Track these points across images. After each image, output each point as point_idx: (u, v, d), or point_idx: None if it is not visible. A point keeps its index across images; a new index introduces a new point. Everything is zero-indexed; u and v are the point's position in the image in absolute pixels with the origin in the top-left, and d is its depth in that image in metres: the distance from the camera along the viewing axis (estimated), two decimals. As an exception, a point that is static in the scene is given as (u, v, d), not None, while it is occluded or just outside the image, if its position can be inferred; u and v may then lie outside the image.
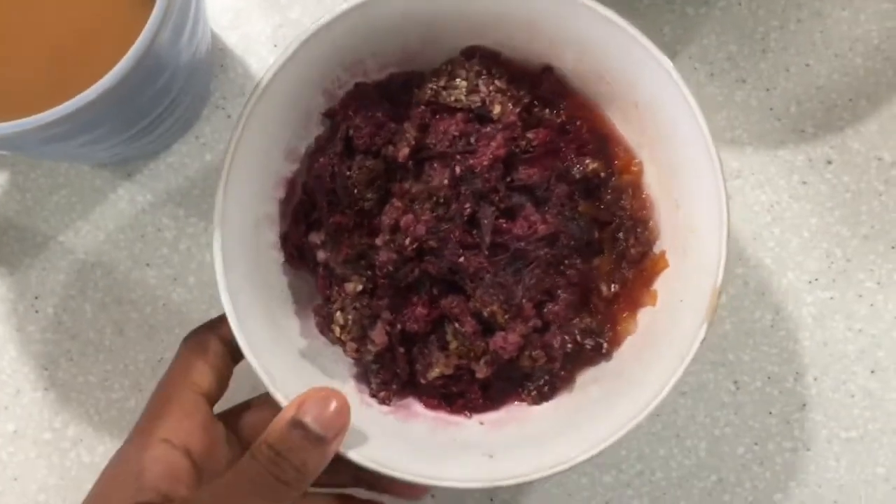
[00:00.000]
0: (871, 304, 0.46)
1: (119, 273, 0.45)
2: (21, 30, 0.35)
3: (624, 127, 0.40)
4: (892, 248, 0.46)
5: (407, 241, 0.37)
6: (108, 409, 0.45)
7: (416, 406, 0.40)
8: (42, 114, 0.32)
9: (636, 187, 0.40)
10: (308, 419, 0.33)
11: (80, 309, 0.45)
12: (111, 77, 0.32)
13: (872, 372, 0.45)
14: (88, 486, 0.43)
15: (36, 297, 0.45)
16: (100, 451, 0.44)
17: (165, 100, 0.38)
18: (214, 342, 0.37)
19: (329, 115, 0.40)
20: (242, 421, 0.38)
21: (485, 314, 0.38)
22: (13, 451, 0.44)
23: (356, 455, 0.35)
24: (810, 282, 0.46)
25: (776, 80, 0.47)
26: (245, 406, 0.39)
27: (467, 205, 0.38)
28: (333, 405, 0.33)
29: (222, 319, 0.36)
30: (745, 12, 0.47)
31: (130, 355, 0.45)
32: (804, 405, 0.45)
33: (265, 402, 0.38)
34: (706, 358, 0.45)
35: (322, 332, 0.39)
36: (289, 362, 0.37)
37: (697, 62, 0.47)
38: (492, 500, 0.44)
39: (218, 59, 0.46)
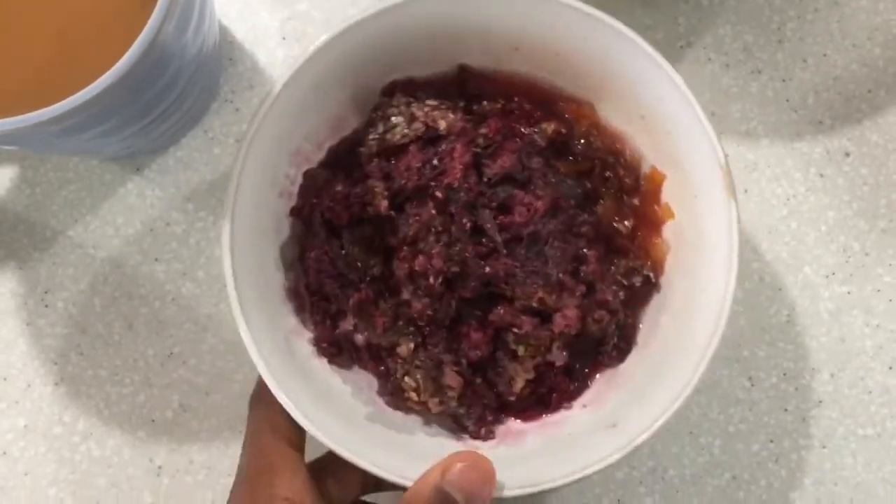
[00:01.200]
0: (890, 300, 0.45)
1: (128, 268, 0.45)
2: (24, 25, 0.34)
3: (556, 79, 0.40)
4: (912, 241, 0.45)
5: (431, 280, 0.37)
6: (119, 403, 0.45)
7: (517, 425, 0.39)
8: (51, 107, 0.32)
9: (598, 126, 0.40)
10: (455, 492, 0.31)
11: (90, 303, 0.45)
12: (117, 70, 0.32)
13: (890, 368, 0.45)
14: (98, 481, 0.44)
15: (46, 292, 0.45)
16: (110, 444, 0.44)
17: (173, 93, 0.38)
18: None
19: (296, 213, 0.40)
20: (324, 478, 0.37)
21: (534, 305, 0.38)
22: (24, 445, 0.44)
23: (509, 492, 0.34)
24: (827, 276, 0.45)
25: (793, 70, 0.46)
26: (321, 463, 0.38)
27: (464, 220, 0.38)
28: (480, 473, 0.32)
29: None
30: (760, 2, 0.47)
31: (140, 350, 0.45)
32: (820, 402, 0.44)
33: (337, 459, 0.36)
34: (720, 354, 0.44)
35: (398, 408, 0.39)
36: (345, 427, 0.37)
37: (712, 53, 0.46)
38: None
39: (227, 52, 0.46)
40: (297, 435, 0.36)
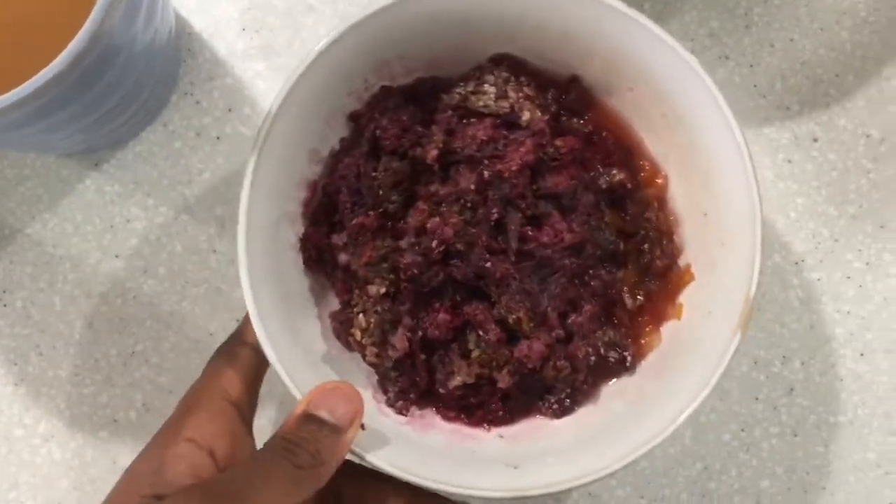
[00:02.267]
0: (860, 286, 0.45)
1: (88, 265, 0.44)
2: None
3: (650, 138, 0.39)
4: (881, 227, 0.45)
5: (434, 244, 0.36)
6: (80, 403, 0.44)
7: (434, 418, 0.39)
8: (-9, 101, 0.31)
9: (661, 200, 0.39)
10: (321, 412, 0.33)
11: (49, 302, 0.44)
12: (58, 63, 0.31)
13: (861, 355, 0.44)
14: (61, 483, 0.43)
15: (3, 291, 0.44)
16: (71, 447, 0.43)
17: (124, 86, 0.37)
18: (244, 351, 0.36)
19: (354, 117, 0.39)
20: None
21: (510, 321, 0.37)
22: (-16, 448, 0.43)
23: (375, 458, 0.34)
24: (797, 263, 0.45)
25: (760, 56, 0.46)
26: None
27: (494, 210, 0.37)
28: (343, 395, 0.33)
29: (247, 325, 0.35)
30: (727, -14, 0.46)
31: (101, 349, 0.44)
32: (791, 390, 0.44)
33: None
34: (690, 343, 0.44)
35: (339, 337, 0.39)
36: (308, 365, 0.37)
37: (678, 39, 0.45)
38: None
39: (185, 43, 0.45)
40: (238, 388, 0.35)
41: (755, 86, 0.46)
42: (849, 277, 0.45)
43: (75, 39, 0.31)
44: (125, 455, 0.43)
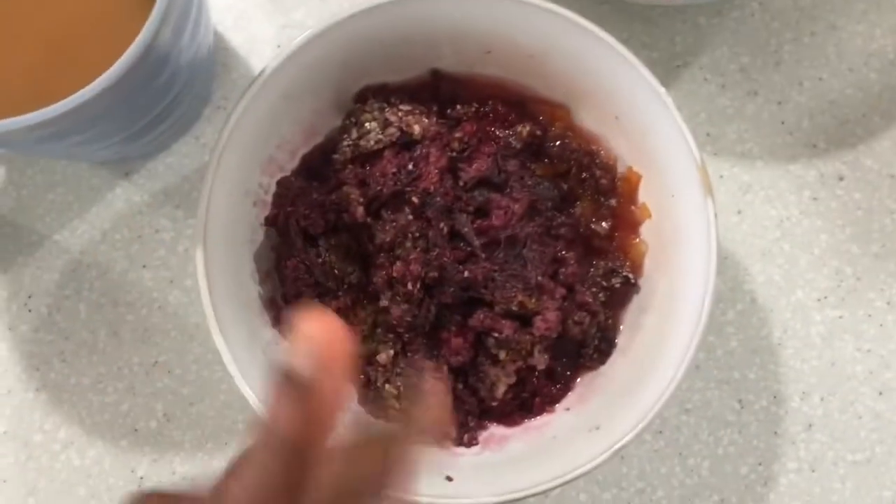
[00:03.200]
0: (881, 325, 0.45)
1: (115, 274, 0.45)
2: (16, 26, 0.34)
3: (531, 83, 0.40)
4: (904, 267, 0.45)
5: (409, 286, 0.37)
6: (101, 411, 0.44)
7: (502, 430, 0.39)
8: (33, 113, 0.31)
9: (572, 128, 0.41)
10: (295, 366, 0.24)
11: (75, 309, 0.44)
12: (108, 77, 0.31)
13: (881, 393, 0.44)
14: (78, 490, 0.43)
15: (29, 297, 0.44)
16: (91, 454, 0.43)
17: (165, 99, 0.38)
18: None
19: (270, 221, 0.39)
20: None
21: (514, 308, 0.37)
22: (2, 452, 0.43)
23: (482, 499, 0.34)
24: (819, 300, 0.45)
25: (789, 93, 0.46)
26: None
27: (441, 224, 0.37)
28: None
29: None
30: (758, 24, 0.47)
31: (125, 358, 0.44)
32: (810, 426, 0.44)
33: None
34: (711, 375, 0.44)
35: (377, 417, 0.39)
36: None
37: (709, 73, 0.46)
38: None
39: (221, 58, 0.46)
40: None
41: (783, 122, 0.46)
42: (870, 316, 0.45)
43: (126, 53, 0.31)
44: (144, 464, 0.43)
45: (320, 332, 0.24)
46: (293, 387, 0.23)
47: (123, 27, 0.33)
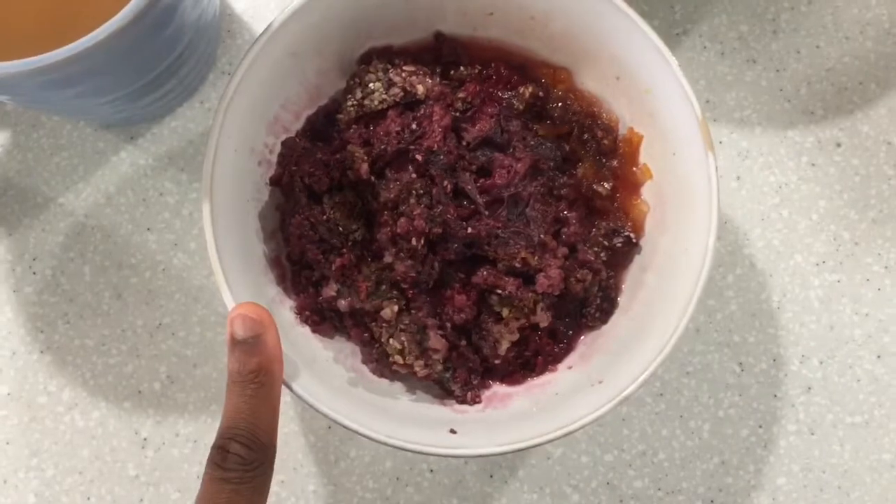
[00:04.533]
0: (879, 289, 0.45)
1: (119, 237, 0.45)
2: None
3: (534, 46, 0.41)
4: (901, 232, 0.46)
5: (414, 242, 0.37)
6: (105, 373, 0.44)
7: (505, 388, 0.39)
8: (39, 56, 0.32)
9: (574, 90, 0.41)
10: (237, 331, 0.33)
11: (79, 272, 0.45)
12: (114, 22, 0.32)
13: (879, 357, 0.45)
14: (82, 451, 0.43)
15: (34, 259, 0.45)
16: (94, 416, 0.43)
17: (170, 56, 0.38)
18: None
19: (275, 181, 0.40)
20: None
21: (517, 266, 0.38)
22: (6, 413, 0.43)
23: (490, 448, 0.34)
24: (818, 264, 0.45)
25: (786, 61, 0.47)
26: None
27: (445, 182, 0.38)
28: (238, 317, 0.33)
29: None
30: (756, -7, 0.47)
31: (128, 320, 0.44)
32: (809, 388, 0.45)
33: None
34: (711, 339, 0.45)
35: (383, 374, 0.39)
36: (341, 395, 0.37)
37: (708, 41, 0.47)
38: (491, 476, 0.44)
39: (226, 24, 0.46)
40: None
41: (781, 90, 0.47)
42: (868, 280, 0.45)
43: (131, 4, 0.31)
44: (148, 426, 0.43)
45: (252, 309, 0.34)
46: (241, 344, 0.33)
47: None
